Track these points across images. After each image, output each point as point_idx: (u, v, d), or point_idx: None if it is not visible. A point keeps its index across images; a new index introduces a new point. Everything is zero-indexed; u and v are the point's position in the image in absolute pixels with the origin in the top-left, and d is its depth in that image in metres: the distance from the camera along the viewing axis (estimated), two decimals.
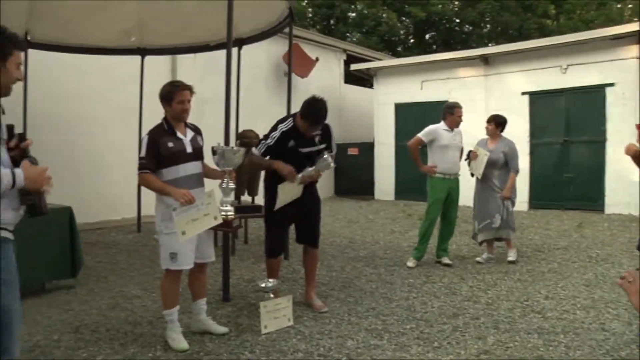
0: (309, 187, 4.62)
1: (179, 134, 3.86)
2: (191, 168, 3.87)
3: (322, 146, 4.57)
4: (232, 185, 3.94)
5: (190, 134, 3.94)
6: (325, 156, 4.43)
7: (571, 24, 23.22)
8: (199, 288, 4.09)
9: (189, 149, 3.86)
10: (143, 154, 3.77)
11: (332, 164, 4.53)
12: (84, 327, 4.24)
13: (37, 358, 3.62)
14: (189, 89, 3.88)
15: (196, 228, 3.69)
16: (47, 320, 4.40)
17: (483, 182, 6.48)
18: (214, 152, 3.89)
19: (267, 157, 4.48)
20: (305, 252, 4.82)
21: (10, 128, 2.43)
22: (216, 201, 3.78)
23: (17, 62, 2.43)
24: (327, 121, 4.50)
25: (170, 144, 3.78)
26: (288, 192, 4.43)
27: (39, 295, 5.09)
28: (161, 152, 3.74)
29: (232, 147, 3.98)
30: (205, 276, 4.15)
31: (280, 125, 4.51)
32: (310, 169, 4.44)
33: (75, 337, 4.01)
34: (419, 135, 6.44)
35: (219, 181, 3.96)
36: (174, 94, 3.81)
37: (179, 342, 3.78)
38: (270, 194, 4.54)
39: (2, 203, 2.28)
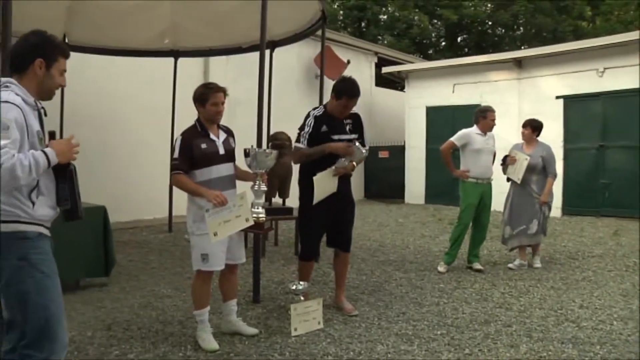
0: (344, 188, 4.59)
1: (212, 136, 3.88)
2: (224, 170, 3.89)
3: (354, 136, 4.56)
4: (263, 187, 3.95)
5: (222, 135, 3.96)
6: (357, 144, 4.41)
7: (608, 26, 22.68)
8: (230, 289, 4.10)
9: (221, 151, 3.88)
10: (176, 155, 3.79)
11: (365, 152, 4.49)
12: (116, 324, 4.30)
13: (72, 353, 3.68)
14: (223, 91, 3.90)
15: (228, 230, 3.71)
16: (81, 316, 4.48)
17: (520, 188, 6.37)
18: (246, 154, 3.90)
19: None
20: (336, 256, 4.79)
21: (51, 134, 2.48)
22: (248, 203, 3.79)
23: (61, 69, 2.51)
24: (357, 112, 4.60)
25: (204, 146, 3.80)
26: (324, 186, 4.37)
27: (73, 291, 5.18)
28: (194, 153, 3.76)
29: (264, 150, 3.99)
30: (236, 277, 4.16)
31: (312, 112, 4.58)
32: (343, 159, 4.41)
33: (108, 334, 4.07)
34: (452, 139, 6.37)
35: (250, 183, 3.97)
36: (208, 96, 3.83)
37: (209, 342, 3.80)
38: (306, 196, 4.49)
39: (39, 200, 2.35)
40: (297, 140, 4.53)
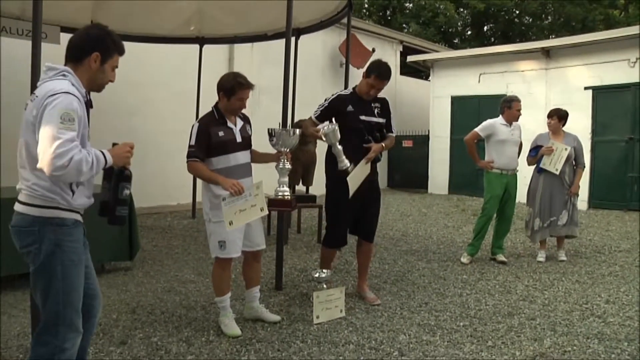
0: (372, 177, 4.55)
1: (230, 123, 3.86)
2: (241, 157, 3.88)
3: (382, 120, 4.56)
4: (288, 165, 3.99)
5: (240, 123, 3.94)
6: (326, 125, 4.34)
7: None
8: (253, 276, 4.12)
9: (238, 139, 3.86)
10: (193, 142, 3.77)
11: (390, 139, 4.59)
12: (140, 308, 4.36)
13: (98, 335, 3.74)
14: (252, 88, 3.88)
15: (243, 219, 3.72)
16: (106, 299, 4.54)
17: (551, 179, 6.25)
18: (270, 134, 3.91)
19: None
20: (360, 245, 4.77)
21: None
22: (263, 192, 3.81)
23: (114, 65, 2.57)
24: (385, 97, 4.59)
25: (221, 133, 3.79)
26: (358, 178, 4.31)
27: (99, 275, 5.21)
28: (212, 141, 3.75)
29: (288, 129, 3.99)
30: (259, 264, 4.18)
31: (338, 92, 4.62)
32: (351, 165, 4.26)
33: (133, 317, 4.13)
34: (476, 129, 6.30)
35: (267, 172, 3.98)
36: (237, 91, 3.78)
37: (232, 328, 3.83)
38: (334, 184, 4.43)
39: (78, 190, 2.41)
40: (314, 113, 4.58)
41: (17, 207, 2.39)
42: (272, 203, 4.06)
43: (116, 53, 2.54)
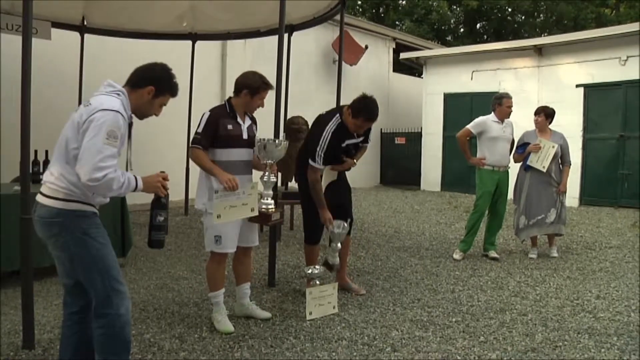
0: (341, 174, 4.74)
1: (239, 119, 3.90)
2: (244, 154, 3.91)
3: (361, 139, 4.60)
4: (273, 178, 3.98)
5: (247, 121, 3.98)
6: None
7: (633, 13, 22.22)
8: (243, 272, 4.12)
9: (245, 135, 3.90)
10: (200, 129, 3.79)
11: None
12: (133, 305, 4.29)
13: None
14: (272, 89, 3.99)
15: (232, 215, 3.71)
16: None
17: (538, 176, 6.27)
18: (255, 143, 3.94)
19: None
20: None
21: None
22: (257, 194, 3.82)
23: (163, 103, 2.88)
24: None
25: (230, 127, 3.82)
26: (325, 180, 4.55)
27: None
28: (219, 132, 3.78)
29: (275, 140, 3.95)
30: (250, 260, 4.18)
31: (327, 128, 4.37)
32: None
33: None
34: (468, 126, 6.32)
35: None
36: (262, 91, 3.87)
37: (224, 324, 3.83)
38: (305, 184, 4.50)
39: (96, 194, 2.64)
40: (312, 157, 4.34)
41: (41, 199, 2.61)
42: (252, 217, 3.95)
43: (168, 93, 2.84)
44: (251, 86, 3.85)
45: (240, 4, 7.20)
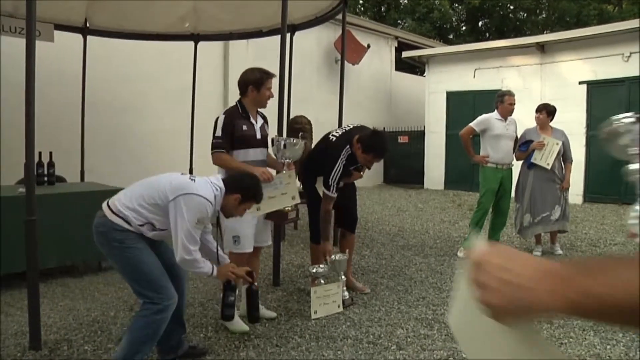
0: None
1: (252, 119, 3.93)
2: (259, 154, 3.95)
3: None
4: None
5: (260, 121, 4.01)
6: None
7: (635, 9, 22.15)
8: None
9: (258, 135, 3.94)
10: (219, 133, 3.80)
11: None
12: (138, 305, 4.29)
13: (96, 333, 3.74)
14: (275, 77, 4.01)
15: (272, 205, 3.82)
16: (104, 297, 4.56)
17: (541, 174, 6.25)
18: (272, 143, 3.96)
19: None
20: (343, 237, 4.91)
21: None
22: (296, 182, 3.90)
23: (247, 207, 3.24)
24: None
25: (244, 127, 3.85)
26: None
27: (96, 273, 5.27)
28: (236, 133, 3.80)
29: (292, 140, 3.98)
30: (258, 260, 4.22)
31: (339, 160, 4.37)
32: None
33: (130, 314, 4.13)
34: (471, 124, 6.31)
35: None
36: (265, 81, 3.88)
37: (239, 324, 3.82)
38: (310, 185, 4.62)
39: (149, 234, 3.02)
40: (327, 187, 4.36)
41: (103, 211, 2.98)
42: (270, 215, 4.06)
43: (253, 201, 3.25)
44: (253, 80, 3.89)
45: (243, 4, 7.20)
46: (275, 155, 4.03)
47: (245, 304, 3.57)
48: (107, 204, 3.02)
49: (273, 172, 3.93)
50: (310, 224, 4.77)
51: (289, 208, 4.04)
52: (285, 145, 3.91)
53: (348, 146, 4.41)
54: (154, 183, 3.02)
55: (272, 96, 3.99)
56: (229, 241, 3.86)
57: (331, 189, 4.35)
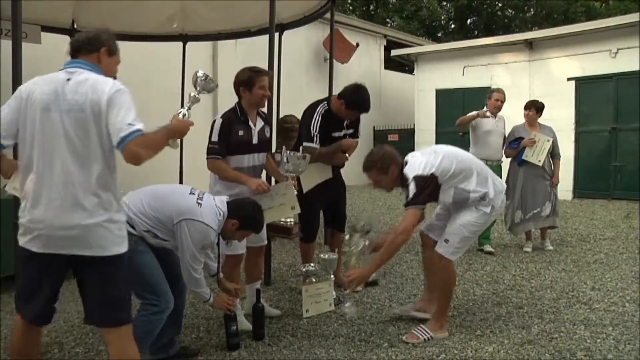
0: (337, 172, 4.71)
1: (250, 123, 3.80)
2: (255, 159, 3.85)
3: (350, 131, 4.59)
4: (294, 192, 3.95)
5: (260, 123, 3.87)
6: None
7: (622, 6, 22.28)
8: (255, 271, 4.15)
9: (255, 140, 3.80)
10: (215, 138, 3.68)
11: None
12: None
13: (87, 335, 3.72)
14: (269, 75, 3.84)
15: (271, 216, 3.76)
16: None
17: (531, 170, 6.28)
18: (281, 157, 3.94)
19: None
20: (333, 236, 4.93)
21: None
22: (293, 191, 3.83)
23: (245, 235, 3.36)
24: None
25: (241, 132, 3.72)
26: (313, 177, 4.42)
27: None
28: (231, 139, 3.68)
29: (298, 154, 3.91)
30: (262, 260, 4.21)
31: (318, 108, 4.42)
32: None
33: None
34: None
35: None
36: (256, 80, 3.73)
37: (243, 323, 3.80)
38: (301, 184, 4.52)
39: (154, 240, 3.11)
40: (308, 139, 4.35)
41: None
42: (274, 228, 4.05)
43: (251, 230, 3.34)
44: (243, 81, 3.76)
45: (231, 4, 7.17)
46: (280, 169, 3.99)
47: (251, 315, 3.71)
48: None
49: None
50: (300, 224, 4.76)
51: (291, 219, 4.00)
52: (287, 159, 3.83)
53: (325, 102, 4.42)
54: (164, 197, 3.14)
55: (268, 94, 3.82)
56: (222, 243, 3.83)
57: (314, 140, 4.31)
